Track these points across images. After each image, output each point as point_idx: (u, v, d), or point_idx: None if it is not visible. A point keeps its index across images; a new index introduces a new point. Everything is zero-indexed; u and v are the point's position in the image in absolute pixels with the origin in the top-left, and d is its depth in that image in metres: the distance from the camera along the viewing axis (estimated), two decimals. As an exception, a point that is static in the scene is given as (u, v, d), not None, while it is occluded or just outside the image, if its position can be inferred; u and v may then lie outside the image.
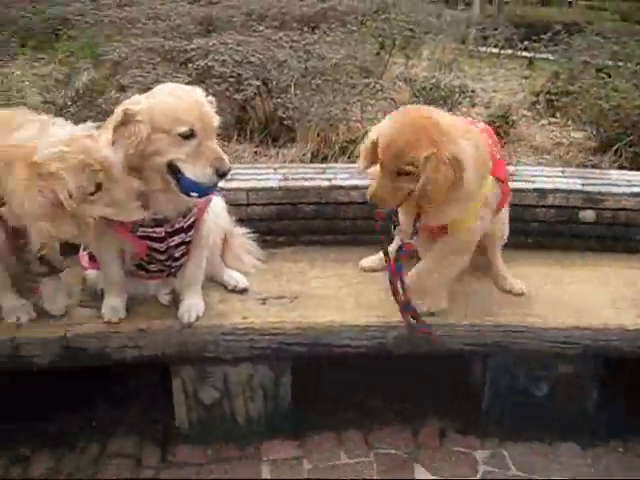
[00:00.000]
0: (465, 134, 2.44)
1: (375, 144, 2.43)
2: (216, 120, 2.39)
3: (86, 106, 2.41)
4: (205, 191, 2.38)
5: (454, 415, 2.95)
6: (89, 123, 2.38)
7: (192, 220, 2.59)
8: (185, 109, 2.30)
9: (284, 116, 4.04)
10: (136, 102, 2.35)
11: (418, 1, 7.26)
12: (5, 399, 2.99)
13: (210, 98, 2.46)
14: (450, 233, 2.61)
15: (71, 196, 2.17)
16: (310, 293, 2.88)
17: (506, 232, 2.93)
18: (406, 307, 2.62)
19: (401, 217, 2.63)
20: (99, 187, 2.24)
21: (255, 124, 4.21)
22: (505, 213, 2.87)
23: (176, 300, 2.75)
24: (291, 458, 2.77)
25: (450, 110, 4.05)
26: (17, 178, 2.18)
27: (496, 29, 7.46)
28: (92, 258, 2.79)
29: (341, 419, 2.94)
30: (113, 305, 2.68)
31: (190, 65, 3.89)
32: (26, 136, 2.24)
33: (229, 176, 2.38)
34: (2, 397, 2.99)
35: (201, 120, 2.30)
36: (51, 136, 2.22)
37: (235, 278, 2.92)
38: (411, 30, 5.08)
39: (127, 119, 2.28)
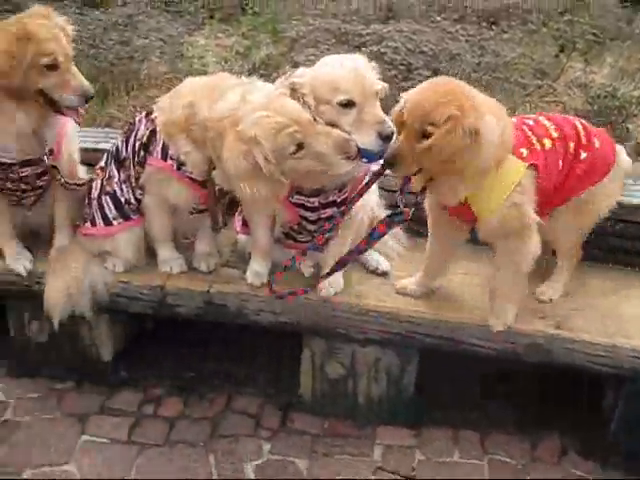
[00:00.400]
0: (495, 113, 2.36)
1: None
2: (377, 85, 2.40)
3: (261, 79, 2.55)
4: (374, 156, 2.40)
5: (577, 435, 2.84)
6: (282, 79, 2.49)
7: (346, 195, 2.64)
8: (343, 78, 2.35)
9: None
10: (300, 75, 2.44)
11: (610, 4, 6.80)
12: (149, 343, 3.28)
13: (373, 64, 2.48)
14: (481, 219, 2.49)
15: (268, 158, 2.31)
16: (449, 288, 2.86)
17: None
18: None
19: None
20: (300, 145, 2.33)
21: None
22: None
23: (318, 274, 2.84)
24: (405, 446, 2.80)
25: (623, 122, 3.84)
26: (225, 145, 2.37)
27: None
28: (245, 223, 2.93)
29: (460, 418, 2.92)
30: (257, 270, 2.81)
31: (363, 49, 3.96)
32: (231, 105, 2.41)
33: (394, 139, 2.36)
34: (146, 341, 3.28)
35: (360, 87, 2.34)
36: (250, 103, 2.37)
37: (377, 260, 2.96)
38: (595, 35, 4.83)
39: (294, 92, 2.39)
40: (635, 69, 4.90)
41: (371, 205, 2.89)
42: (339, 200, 2.65)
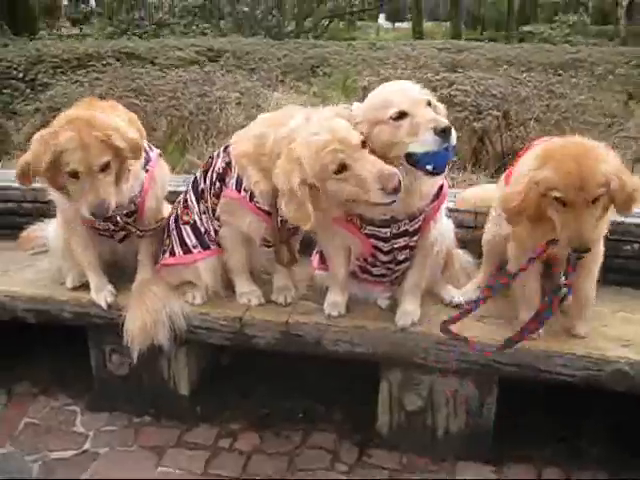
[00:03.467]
0: None
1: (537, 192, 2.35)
2: (425, 95, 2.48)
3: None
4: (438, 159, 2.39)
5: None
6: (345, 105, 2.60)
7: (418, 225, 2.67)
8: (391, 94, 2.45)
9: (521, 149, 4.05)
10: (355, 108, 2.57)
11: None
12: (224, 379, 3.31)
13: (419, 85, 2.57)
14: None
15: (306, 181, 2.37)
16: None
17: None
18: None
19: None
20: (344, 167, 2.38)
21: (491, 155, 4.27)
22: None
23: (394, 306, 2.85)
24: (485, 481, 2.72)
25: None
26: (277, 164, 2.46)
27: None
28: (322, 259, 2.99)
29: (542, 454, 2.83)
30: (335, 300, 2.84)
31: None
32: (292, 126, 2.50)
33: (453, 133, 2.37)
34: (222, 377, 3.31)
35: (408, 98, 2.41)
36: (309, 123, 2.46)
37: (451, 293, 2.96)
38: (663, 81, 4.85)
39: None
40: None
41: (446, 242, 2.89)
42: (411, 230, 2.68)
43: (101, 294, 2.99)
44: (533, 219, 2.43)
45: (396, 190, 2.35)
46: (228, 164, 2.79)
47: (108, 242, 3.07)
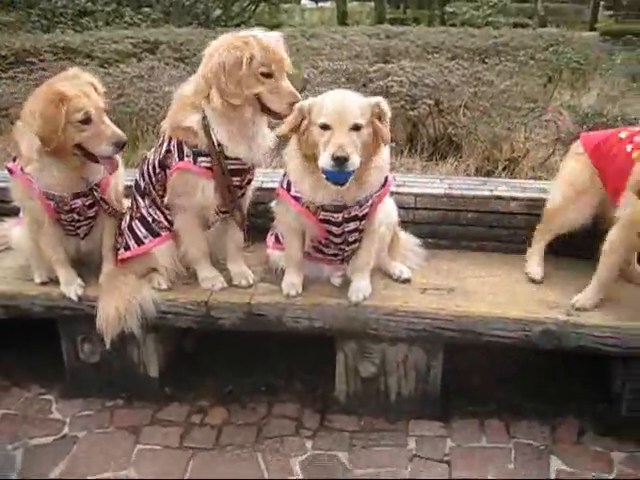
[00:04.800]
0: None
1: None
2: (356, 119, 2.69)
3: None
4: (333, 176, 2.68)
5: (592, 415, 3.09)
6: None
7: (367, 210, 2.94)
8: (329, 104, 2.71)
9: (453, 133, 4.39)
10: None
11: (590, 39, 7.25)
12: (189, 362, 3.53)
13: (374, 100, 2.81)
14: None
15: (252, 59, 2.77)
16: (465, 288, 3.15)
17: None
18: None
19: None
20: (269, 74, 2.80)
21: (425, 140, 4.60)
22: None
23: (346, 283, 3.12)
24: (436, 436, 3.03)
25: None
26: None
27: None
28: (277, 240, 3.25)
29: (483, 409, 3.17)
30: (293, 281, 3.10)
31: (371, 85, 4.35)
32: None
33: (352, 161, 2.63)
34: (187, 361, 3.54)
35: (338, 114, 2.67)
36: None
37: (399, 269, 3.25)
38: (579, 63, 5.25)
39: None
40: (617, 95, 5.28)
41: (391, 222, 3.20)
42: (361, 214, 2.96)
43: (71, 287, 3.15)
44: None
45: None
46: (167, 151, 2.99)
47: (72, 241, 3.24)
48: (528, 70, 5.23)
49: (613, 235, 2.92)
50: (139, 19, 12.57)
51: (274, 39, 2.85)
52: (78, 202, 3.07)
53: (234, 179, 3.02)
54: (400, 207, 3.33)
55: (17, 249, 3.35)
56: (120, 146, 2.90)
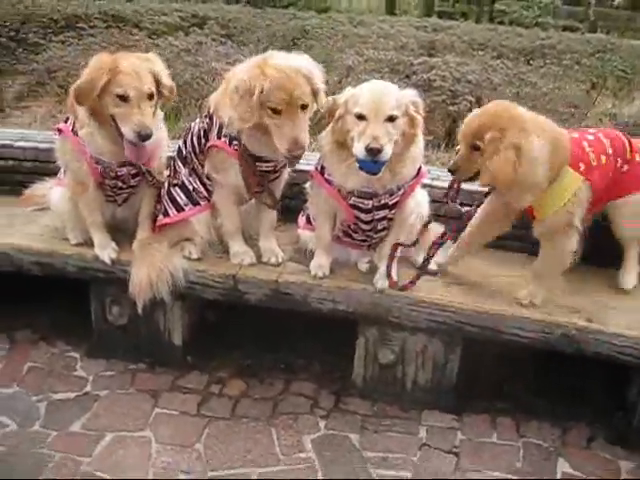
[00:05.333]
0: (543, 132, 2.76)
1: None
2: (391, 110, 2.72)
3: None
4: (365, 166, 2.73)
5: (604, 423, 3.12)
6: None
7: (396, 199, 2.99)
8: (365, 94, 2.76)
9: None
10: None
11: (637, 47, 7.14)
12: (217, 330, 3.62)
13: (408, 91, 2.87)
14: (537, 219, 2.92)
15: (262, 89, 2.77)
16: (490, 286, 3.18)
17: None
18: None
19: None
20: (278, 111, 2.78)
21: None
22: None
23: (372, 269, 3.17)
24: (447, 428, 3.08)
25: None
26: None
27: None
28: (308, 221, 3.31)
29: (497, 406, 3.21)
30: (321, 263, 3.15)
31: (414, 77, 4.37)
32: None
33: (385, 151, 2.68)
34: (215, 328, 3.62)
35: (374, 104, 2.70)
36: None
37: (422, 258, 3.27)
38: (624, 72, 5.21)
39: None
40: (662, 107, 5.21)
41: (422, 212, 3.20)
42: (391, 203, 3.00)
43: (105, 251, 3.24)
44: None
45: (297, 157, 2.80)
46: (209, 124, 3.06)
47: (109, 206, 3.33)
48: (573, 75, 5.20)
49: None
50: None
51: (292, 78, 2.77)
52: (124, 170, 3.14)
53: (265, 164, 3.07)
54: (433, 201, 3.35)
55: (55, 210, 3.43)
56: (142, 137, 2.86)
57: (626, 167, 3.03)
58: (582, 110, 4.53)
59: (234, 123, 2.86)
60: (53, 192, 3.44)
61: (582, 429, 3.09)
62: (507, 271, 3.34)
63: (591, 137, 2.99)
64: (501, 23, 14.29)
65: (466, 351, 3.14)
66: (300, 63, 2.84)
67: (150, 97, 2.92)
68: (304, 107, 2.79)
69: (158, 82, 2.97)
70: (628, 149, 3.05)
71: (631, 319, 2.97)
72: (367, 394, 3.24)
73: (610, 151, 2.97)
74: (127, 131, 2.87)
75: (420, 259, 3.23)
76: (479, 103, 4.50)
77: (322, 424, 3.08)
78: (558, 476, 2.84)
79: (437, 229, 3.44)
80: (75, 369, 3.39)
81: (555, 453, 2.96)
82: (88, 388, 3.25)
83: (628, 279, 3.22)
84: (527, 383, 3.34)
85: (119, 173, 3.13)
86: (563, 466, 2.89)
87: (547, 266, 3.01)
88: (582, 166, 2.84)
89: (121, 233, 3.38)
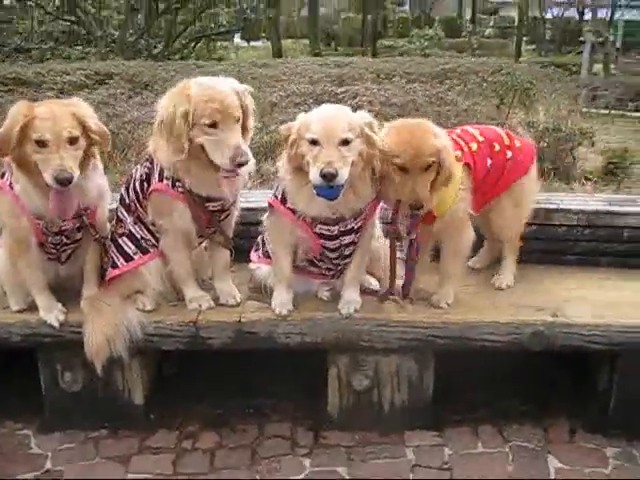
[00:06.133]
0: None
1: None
2: (344, 133, 2.68)
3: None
4: (322, 191, 2.68)
5: (581, 416, 3.17)
6: None
7: (361, 222, 2.94)
8: (317, 118, 2.73)
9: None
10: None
11: (528, 67, 7.56)
12: (177, 382, 3.46)
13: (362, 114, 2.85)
14: (438, 217, 2.98)
15: (187, 115, 2.71)
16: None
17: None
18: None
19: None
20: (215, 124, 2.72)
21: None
22: None
23: (334, 297, 3.12)
24: (432, 445, 3.04)
25: (571, 150, 4.37)
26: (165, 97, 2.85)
27: (606, 90, 7.76)
28: (264, 255, 3.22)
29: (475, 416, 3.21)
30: (282, 300, 3.05)
31: (342, 104, 4.40)
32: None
33: (341, 175, 2.61)
34: (175, 381, 3.46)
35: (326, 129, 2.67)
36: None
37: (369, 281, 3.28)
38: (530, 83, 5.48)
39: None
40: (565, 115, 5.53)
41: (378, 234, 3.21)
42: (356, 227, 2.96)
43: (51, 314, 3.03)
44: None
45: (240, 165, 2.71)
46: (150, 167, 2.97)
47: (52, 265, 3.12)
48: (482, 92, 5.43)
49: None
50: (84, 53, 12.44)
51: (221, 90, 2.76)
52: (69, 224, 2.98)
53: (213, 204, 2.98)
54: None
55: (-9, 274, 3.19)
56: (60, 181, 2.69)
57: (510, 153, 3.17)
58: (500, 121, 4.73)
59: (170, 159, 2.77)
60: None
61: (562, 425, 3.13)
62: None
63: (458, 131, 3.18)
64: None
65: (439, 366, 3.11)
66: (226, 80, 2.85)
67: (71, 141, 2.74)
68: (237, 120, 2.75)
69: (85, 127, 2.81)
70: (505, 137, 3.21)
71: (588, 309, 3.05)
72: (345, 424, 3.15)
73: (481, 138, 3.13)
74: (47, 177, 2.69)
75: (367, 282, 3.25)
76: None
77: (307, 462, 2.97)
78: (551, 472, 2.85)
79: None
80: (30, 447, 3.12)
81: (543, 451, 2.98)
82: (48, 465, 3.00)
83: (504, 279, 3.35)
84: (500, 389, 3.35)
85: (63, 228, 2.96)
86: (553, 462, 2.91)
87: (454, 263, 3.10)
88: (459, 154, 2.96)
89: (66, 293, 3.17)
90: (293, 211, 2.90)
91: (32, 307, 3.10)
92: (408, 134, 2.81)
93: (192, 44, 17.06)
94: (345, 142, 2.69)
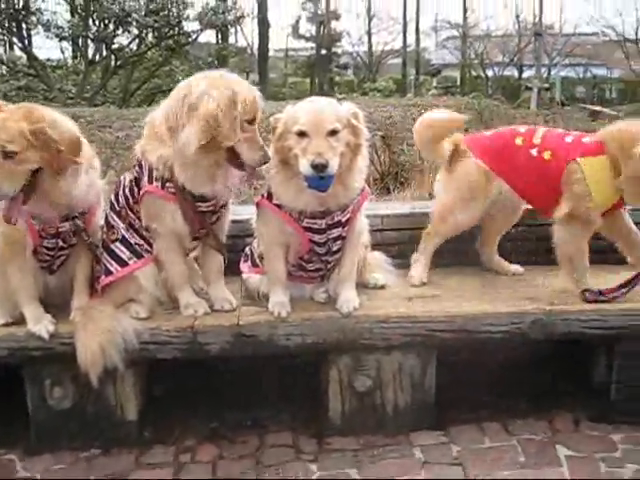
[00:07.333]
0: None
1: None
2: (332, 124, 2.71)
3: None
4: (313, 182, 2.68)
5: (584, 406, 3.19)
6: None
7: (348, 216, 2.94)
8: (303, 110, 2.76)
9: (402, 165, 4.56)
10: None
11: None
12: (169, 396, 3.34)
13: (348, 106, 2.86)
14: None
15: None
16: (448, 293, 3.22)
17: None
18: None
19: None
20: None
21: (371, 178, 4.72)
22: None
23: (331, 299, 3.09)
24: (439, 443, 2.99)
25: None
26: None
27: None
28: (253, 265, 3.20)
29: (479, 413, 3.19)
30: (279, 300, 3.00)
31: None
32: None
33: (331, 165, 2.64)
34: (167, 395, 3.35)
35: (313, 119, 2.70)
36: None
37: (374, 277, 3.31)
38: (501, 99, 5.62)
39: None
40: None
41: (365, 233, 3.21)
42: (343, 220, 2.95)
43: (40, 324, 2.90)
44: None
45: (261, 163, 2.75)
46: (139, 172, 2.93)
47: (42, 275, 3.02)
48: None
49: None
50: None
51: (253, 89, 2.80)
52: (66, 225, 2.89)
53: (205, 204, 2.95)
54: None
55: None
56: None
57: None
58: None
59: (189, 146, 2.68)
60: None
61: (565, 416, 3.13)
62: (446, 280, 3.43)
63: None
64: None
65: (441, 364, 3.09)
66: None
67: (5, 156, 2.60)
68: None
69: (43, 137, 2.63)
70: None
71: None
72: (348, 429, 3.06)
73: None
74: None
75: (367, 279, 3.28)
76: (385, 140, 4.73)
77: (314, 467, 2.86)
78: (562, 460, 2.82)
79: (377, 255, 3.46)
80: (16, 471, 2.92)
81: (550, 442, 2.95)
82: (38, 487, 2.83)
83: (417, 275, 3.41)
84: (501, 386, 3.34)
85: (60, 229, 2.87)
86: (562, 451, 2.89)
87: None
88: None
89: (54, 306, 3.05)
90: (279, 206, 2.89)
91: (19, 321, 2.95)
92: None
93: (149, 101, 17.14)
94: (333, 132, 2.71)
